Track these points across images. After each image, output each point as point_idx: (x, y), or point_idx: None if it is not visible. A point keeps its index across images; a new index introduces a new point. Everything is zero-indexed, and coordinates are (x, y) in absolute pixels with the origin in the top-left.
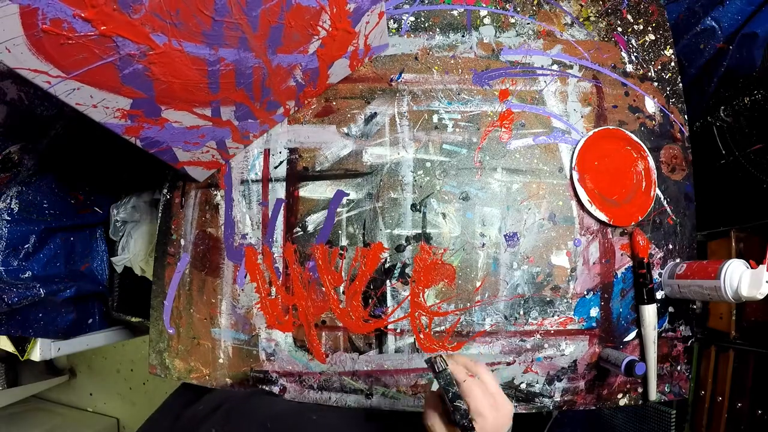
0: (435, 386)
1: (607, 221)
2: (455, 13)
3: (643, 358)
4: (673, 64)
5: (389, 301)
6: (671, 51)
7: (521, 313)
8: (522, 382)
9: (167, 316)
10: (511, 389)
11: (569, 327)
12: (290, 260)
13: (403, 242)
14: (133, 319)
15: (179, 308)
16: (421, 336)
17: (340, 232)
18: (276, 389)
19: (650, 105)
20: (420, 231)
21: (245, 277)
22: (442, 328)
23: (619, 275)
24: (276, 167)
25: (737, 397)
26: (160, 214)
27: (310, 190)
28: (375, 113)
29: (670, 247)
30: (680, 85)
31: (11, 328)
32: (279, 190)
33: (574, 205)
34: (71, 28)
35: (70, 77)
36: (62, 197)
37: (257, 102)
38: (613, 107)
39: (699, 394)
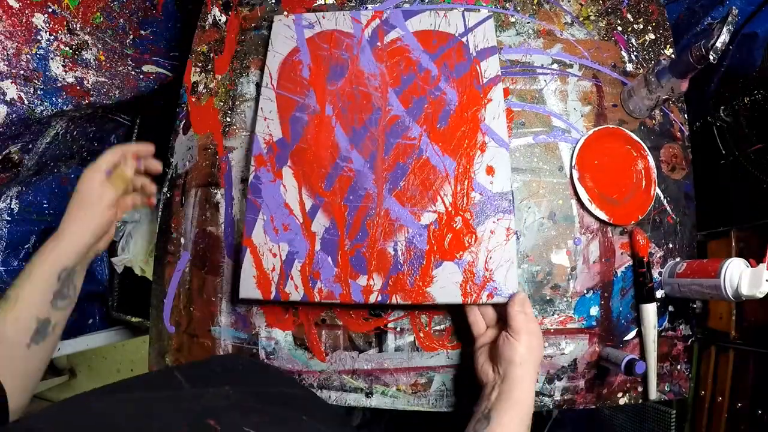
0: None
1: (607, 220)
2: None
3: (643, 357)
4: None
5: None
6: (671, 50)
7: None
8: None
9: (167, 315)
10: None
11: (569, 326)
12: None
13: None
14: (133, 319)
15: (179, 307)
16: (421, 335)
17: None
18: None
19: None
20: None
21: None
22: (443, 326)
23: (619, 274)
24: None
25: (737, 397)
26: (160, 213)
27: None
28: None
29: (670, 246)
30: None
31: None
32: None
33: (574, 203)
34: None
35: (275, 90)
36: (62, 197)
37: (348, 240)
38: (614, 106)
39: (699, 394)
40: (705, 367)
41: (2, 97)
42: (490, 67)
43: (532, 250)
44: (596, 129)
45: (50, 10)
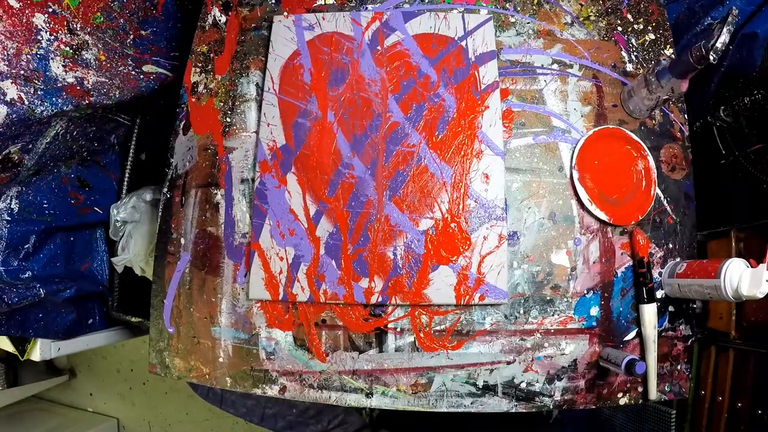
0: None
1: (607, 220)
2: None
3: (643, 357)
4: None
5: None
6: (671, 50)
7: (521, 312)
8: (522, 381)
9: (167, 315)
10: (511, 388)
11: (569, 326)
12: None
13: None
14: (133, 319)
15: (179, 307)
16: (421, 335)
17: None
18: (276, 388)
19: None
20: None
21: (245, 276)
22: (443, 327)
23: (619, 274)
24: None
25: (737, 397)
26: (160, 213)
27: None
28: None
29: (670, 246)
30: None
31: (11, 328)
32: None
33: (574, 204)
34: None
35: (277, 96)
36: (62, 197)
37: (351, 244)
38: (614, 106)
39: (699, 394)
40: (705, 367)
41: (2, 97)
42: (489, 73)
43: (533, 250)
44: (596, 129)
45: (50, 10)
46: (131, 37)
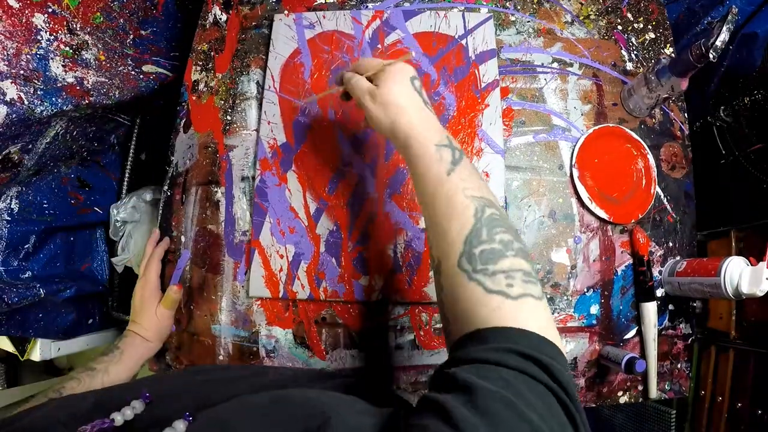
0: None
1: (607, 219)
2: None
3: (643, 355)
4: None
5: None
6: (671, 49)
7: None
8: None
9: None
10: None
11: (569, 324)
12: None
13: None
14: None
15: (179, 305)
16: (422, 333)
17: None
18: None
19: None
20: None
21: (245, 274)
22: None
23: (619, 273)
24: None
25: (737, 397)
26: (160, 211)
27: None
28: None
29: (670, 244)
30: None
31: (11, 328)
32: None
33: (574, 202)
34: None
35: (278, 94)
36: (62, 197)
37: (351, 242)
38: (614, 105)
39: (699, 394)
40: (705, 366)
41: (2, 97)
42: (489, 72)
43: (533, 248)
44: (596, 128)
45: (50, 10)
46: (131, 37)
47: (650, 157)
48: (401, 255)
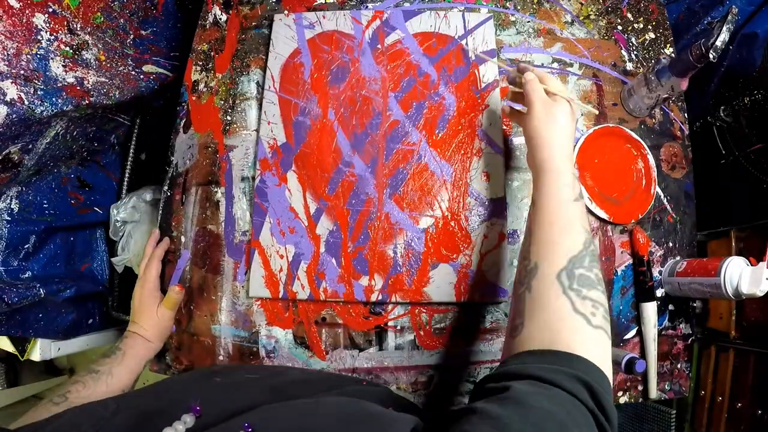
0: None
1: (607, 219)
2: None
3: (643, 355)
4: None
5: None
6: (671, 49)
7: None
8: None
9: None
10: None
11: None
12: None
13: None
14: None
15: (179, 305)
16: (422, 333)
17: None
18: None
19: None
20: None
21: (245, 274)
22: (443, 325)
23: (619, 273)
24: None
25: (737, 397)
26: (160, 211)
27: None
28: None
29: (670, 244)
30: None
31: (11, 328)
32: None
33: None
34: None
35: (278, 94)
36: (62, 197)
37: (351, 242)
38: (614, 105)
39: (699, 394)
40: (705, 366)
41: (2, 97)
42: (489, 72)
43: None
44: (596, 128)
45: (51, 10)
46: (131, 37)
47: (650, 157)
48: (401, 255)
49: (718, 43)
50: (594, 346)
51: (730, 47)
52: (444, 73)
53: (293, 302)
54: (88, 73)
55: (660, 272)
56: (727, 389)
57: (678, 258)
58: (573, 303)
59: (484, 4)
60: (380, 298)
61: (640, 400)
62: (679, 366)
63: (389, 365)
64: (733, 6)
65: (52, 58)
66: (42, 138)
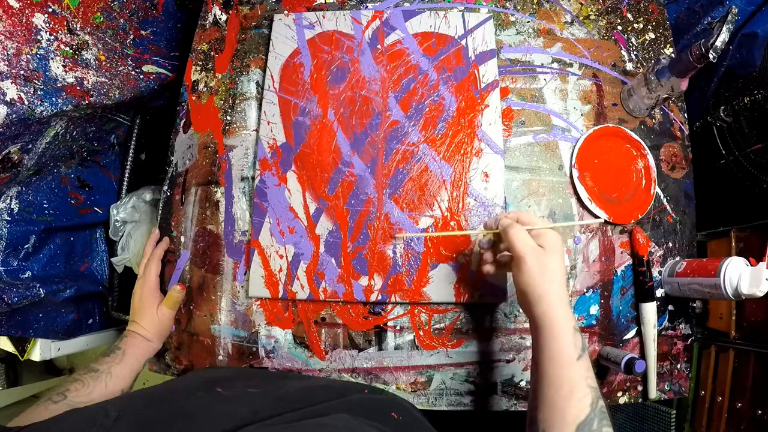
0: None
1: (606, 219)
2: None
3: (642, 356)
4: None
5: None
6: (671, 50)
7: (521, 310)
8: (522, 380)
9: None
10: (510, 387)
11: None
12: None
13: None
14: None
15: (179, 305)
16: (421, 333)
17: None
18: None
19: None
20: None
21: (245, 274)
22: (442, 325)
23: (618, 273)
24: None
25: (737, 397)
26: (160, 211)
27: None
28: None
29: (670, 245)
30: None
31: (11, 328)
32: None
33: (573, 202)
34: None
35: (277, 94)
36: (62, 197)
37: (351, 242)
38: (613, 105)
39: (699, 394)
40: (705, 366)
41: (2, 97)
42: (489, 72)
43: None
44: (596, 128)
45: (50, 10)
46: (131, 37)
47: (650, 157)
48: (401, 255)
49: (718, 43)
50: None
51: (730, 47)
52: (444, 73)
53: (293, 302)
54: (88, 73)
55: (660, 272)
56: (727, 389)
57: (678, 258)
58: None
59: (484, 4)
60: (380, 298)
61: (640, 400)
62: (678, 366)
63: (389, 365)
64: (733, 6)
65: (51, 58)
66: (42, 138)
